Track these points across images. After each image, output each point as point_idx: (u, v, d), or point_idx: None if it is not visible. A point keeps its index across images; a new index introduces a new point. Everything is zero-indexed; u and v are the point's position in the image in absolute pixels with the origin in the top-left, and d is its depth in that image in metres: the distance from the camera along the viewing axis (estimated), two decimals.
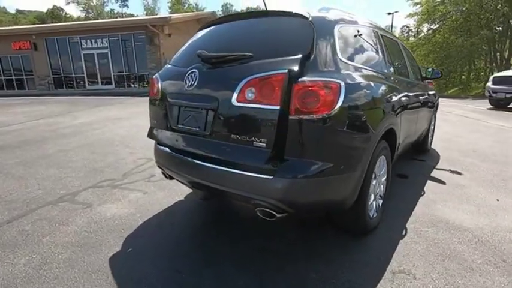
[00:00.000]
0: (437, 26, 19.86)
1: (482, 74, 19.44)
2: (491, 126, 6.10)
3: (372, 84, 1.73)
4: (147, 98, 2.15)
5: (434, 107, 3.84)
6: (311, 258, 1.72)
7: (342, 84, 1.42)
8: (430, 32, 20.73)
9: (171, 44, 15.57)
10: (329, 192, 1.49)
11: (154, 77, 2.08)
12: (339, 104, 1.39)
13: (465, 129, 5.87)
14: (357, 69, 1.69)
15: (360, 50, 1.92)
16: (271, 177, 1.39)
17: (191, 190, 2.70)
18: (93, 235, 2.00)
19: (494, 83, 8.73)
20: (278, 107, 1.36)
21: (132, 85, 15.99)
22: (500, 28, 16.67)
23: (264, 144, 1.40)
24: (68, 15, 53.22)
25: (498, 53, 17.60)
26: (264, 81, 1.42)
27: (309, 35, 1.53)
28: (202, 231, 2.07)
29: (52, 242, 1.92)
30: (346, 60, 1.63)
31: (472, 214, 2.26)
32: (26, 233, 2.03)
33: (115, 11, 55.20)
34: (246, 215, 2.25)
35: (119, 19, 28.25)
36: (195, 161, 1.66)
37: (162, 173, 2.12)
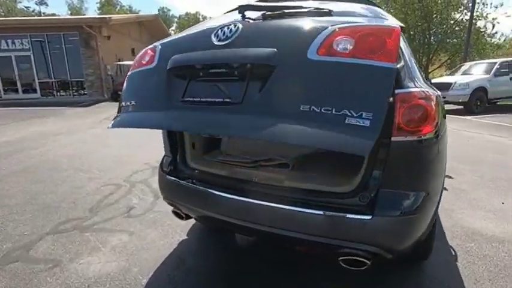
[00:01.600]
0: None
1: None
2: None
3: (437, 94, 1.54)
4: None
5: None
6: None
7: (437, 95, 1.18)
8: None
9: (110, 47, 14.00)
10: (424, 224, 1.23)
11: (150, 46, 1.49)
12: (437, 119, 1.14)
13: None
14: (422, 77, 1.48)
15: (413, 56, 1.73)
16: (368, 217, 1.07)
17: (192, 224, 2.19)
18: None
19: None
20: (392, 65, 0.94)
21: (65, 93, 13.84)
22: (420, 41, 19.22)
23: (368, 121, 0.90)
24: None
25: (418, 62, 20.35)
26: (369, 31, 1.04)
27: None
28: (233, 279, 1.62)
29: None
30: (416, 67, 1.40)
31: (494, 221, 2.25)
32: None
33: (31, 9, 47.85)
34: (272, 247, 1.87)
35: (45, 17, 24.54)
36: (245, 199, 1.23)
37: (173, 211, 1.61)
